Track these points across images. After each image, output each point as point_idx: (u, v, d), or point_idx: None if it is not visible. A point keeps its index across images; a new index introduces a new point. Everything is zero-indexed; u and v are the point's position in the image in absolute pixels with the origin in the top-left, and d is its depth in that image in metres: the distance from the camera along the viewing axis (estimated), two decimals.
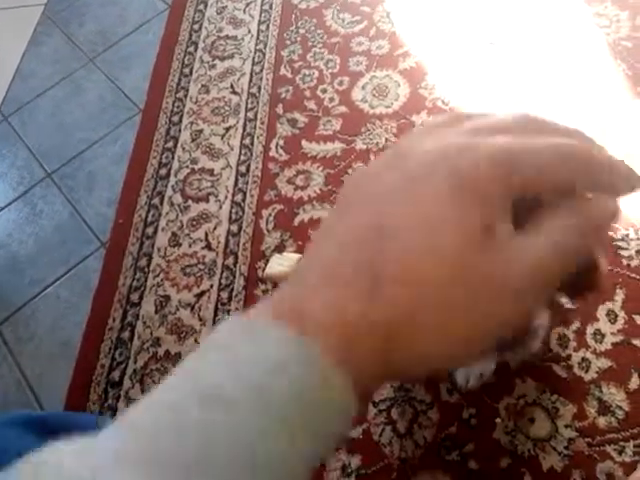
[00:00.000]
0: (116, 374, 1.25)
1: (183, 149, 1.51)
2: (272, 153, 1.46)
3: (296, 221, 1.35)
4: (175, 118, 1.57)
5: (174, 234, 1.38)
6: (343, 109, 1.49)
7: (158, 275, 1.33)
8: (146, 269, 1.35)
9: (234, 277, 1.29)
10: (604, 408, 1.02)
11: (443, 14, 1.59)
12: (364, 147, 1.42)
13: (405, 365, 0.26)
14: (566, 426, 1.02)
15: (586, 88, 1.39)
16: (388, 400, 1.11)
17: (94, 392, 1.24)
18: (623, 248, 1.16)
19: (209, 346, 0.26)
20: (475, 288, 0.25)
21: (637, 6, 1.50)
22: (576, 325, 1.12)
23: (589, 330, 1.11)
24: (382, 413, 1.10)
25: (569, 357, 1.09)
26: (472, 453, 1.04)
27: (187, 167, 1.48)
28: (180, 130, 1.54)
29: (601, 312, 1.12)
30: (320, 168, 1.41)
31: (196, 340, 1.24)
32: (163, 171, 1.48)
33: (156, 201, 1.44)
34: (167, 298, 1.30)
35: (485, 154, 0.26)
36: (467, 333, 0.25)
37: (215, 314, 1.26)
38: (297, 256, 1.25)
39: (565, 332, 1.11)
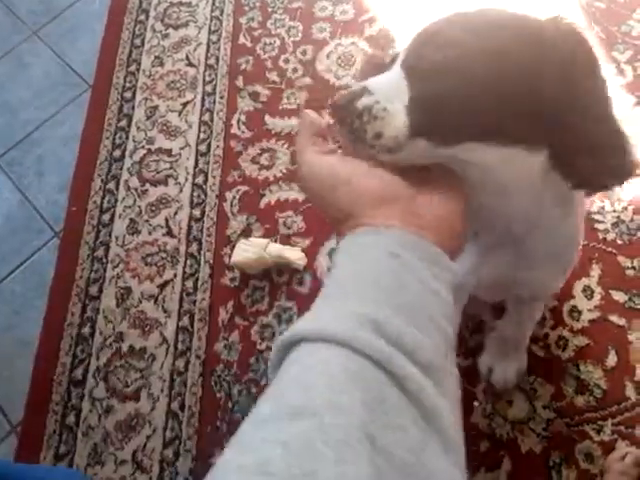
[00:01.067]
0: (78, 372, 1.19)
1: (138, 128, 1.41)
2: (234, 130, 1.38)
3: (262, 203, 1.28)
4: (128, 94, 1.46)
5: (132, 221, 1.30)
6: (307, 80, 1.41)
7: (117, 265, 1.26)
8: (104, 259, 1.27)
9: (199, 265, 1.23)
10: (582, 387, 1.01)
11: None
12: (331, 121, 1.34)
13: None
14: (544, 407, 1.01)
15: None
16: None
17: (56, 392, 1.18)
18: (599, 221, 1.13)
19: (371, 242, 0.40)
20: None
21: None
22: (552, 303, 1.09)
23: (565, 308, 1.09)
24: None
25: (546, 336, 1.07)
26: None
27: (143, 148, 1.38)
28: (134, 107, 1.44)
29: (577, 288, 1.09)
30: (285, 145, 1.34)
31: (161, 333, 1.18)
32: (117, 153, 1.39)
33: (111, 186, 1.35)
34: (128, 290, 1.23)
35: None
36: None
37: (180, 305, 1.20)
38: (264, 241, 1.19)
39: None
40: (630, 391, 0.99)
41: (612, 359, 1.02)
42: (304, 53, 1.44)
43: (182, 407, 1.11)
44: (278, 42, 1.47)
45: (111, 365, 1.18)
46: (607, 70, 1.29)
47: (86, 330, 1.22)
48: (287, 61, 1.44)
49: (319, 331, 0.33)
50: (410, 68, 0.48)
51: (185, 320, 1.18)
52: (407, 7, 1.45)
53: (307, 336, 0.33)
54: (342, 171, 0.43)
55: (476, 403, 1.04)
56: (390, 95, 0.46)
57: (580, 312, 1.08)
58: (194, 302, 1.19)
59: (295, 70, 1.42)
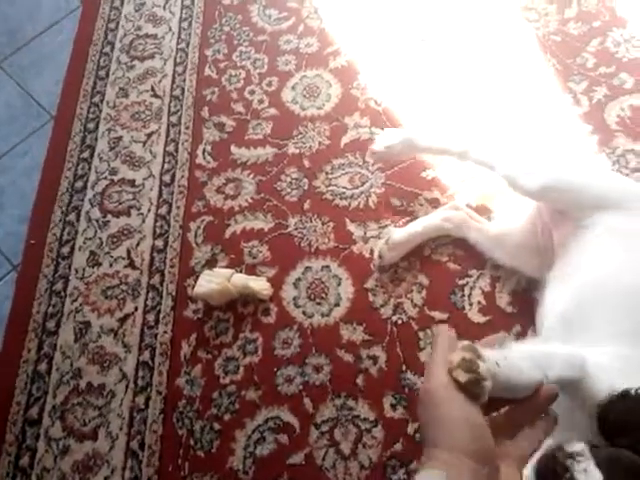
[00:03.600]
0: (34, 411, 1.14)
1: (100, 159, 1.39)
2: (199, 160, 1.37)
3: (227, 233, 1.27)
4: (91, 125, 1.44)
5: (93, 253, 1.27)
6: (273, 111, 1.41)
7: (76, 299, 1.22)
8: (62, 293, 1.23)
9: (161, 297, 1.20)
10: None
11: (373, 11, 1.54)
12: (297, 151, 1.35)
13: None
14: None
15: (517, 83, 1.37)
16: (330, 421, 1.05)
17: (10, 432, 1.12)
18: None
19: None
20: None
21: None
22: (516, 329, 1.09)
23: (530, 334, 1.09)
24: (324, 435, 1.04)
25: None
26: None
27: (105, 178, 1.36)
28: (97, 138, 1.42)
29: None
30: (251, 175, 1.33)
31: (121, 369, 1.14)
32: (79, 184, 1.36)
33: (72, 217, 1.32)
34: (87, 324, 1.19)
35: None
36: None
37: (141, 339, 1.16)
38: (229, 271, 1.17)
39: (506, 337, 1.09)
40: None
41: None
42: (270, 84, 1.45)
43: (142, 446, 1.06)
44: (244, 74, 1.48)
45: (68, 403, 1.13)
46: (564, 101, 1.33)
47: (43, 367, 1.17)
48: (252, 92, 1.45)
49: None
50: None
51: (146, 354, 1.14)
52: (371, 40, 1.48)
53: None
54: (473, 422, 0.50)
55: None
56: None
57: None
58: (155, 335, 1.16)
59: (261, 101, 1.43)
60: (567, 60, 1.39)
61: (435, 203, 1.23)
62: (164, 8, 1.62)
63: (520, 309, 1.11)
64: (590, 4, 1.47)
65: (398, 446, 1.02)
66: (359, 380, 1.08)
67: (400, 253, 1.17)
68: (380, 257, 1.16)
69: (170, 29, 1.58)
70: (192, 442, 1.06)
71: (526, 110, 1.33)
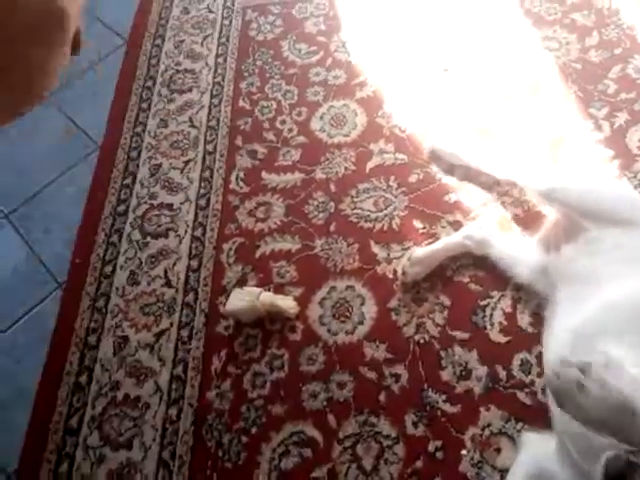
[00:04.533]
0: (74, 421, 1.21)
1: (142, 185, 1.49)
2: (232, 185, 1.45)
3: (257, 254, 1.33)
4: (133, 153, 1.55)
5: (133, 272, 1.35)
6: (302, 139, 1.49)
7: (116, 315, 1.30)
8: (104, 310, 1.31)
9: (194, 314, 1.27)
10: None
11: (397, 43, 1.61)
12: (324, 176, 1.41)
13: None
14: None
15: (540, 112, 1.41)
16: (353, 436, 1.08)
17: (51, 441, 1.19)
18: None
19: None
20: None
21: (585, 28, 1.53)
22: (538, 349, 1.11)
23: None
24: (347, 451, 1.07)
25: (532, 383, 1.08)
26: None
27: (146, 203, 1.45)
28: (138, 165, 1.52)
29: None
30: (280, 199, 1.40)
31: (156, 382, 1.20)
32: (121, 208, 1.46)
33: (114, 239, 1.41)
34: (126, 339, 1.27)
35: None
36: None
37: (175, 353, 1.23)
38: (257, 290, 1.23)
39: (527, 357, 1.10)
40: None
41: None
42: (299, 114, 1.53)
43: (173, 456, 1.12)
44: (275, 105, 1.56)
45: (106, 414, 1.20)
46: (586, 127, 1.36)
47: (83, 379, 1.24)
48: (283, 122, 1.53)
49: None
50: None
51: (179, 369, 1.21)
52: (395, 71, 1.55)
53: None
54: None
55: (464, 452, 1.04)
56: None
57: None
58: (188, 350, 1.22)
59: (290, 130, 1.51)
60: (588, 87, 1.43)
61: (457, 225, 1.27)
62: (202, 45, 1.73)
63: (541, 329, 1.13)
64: (611, 33, 1.51)
65: (419, 463, 1.04)
66: (381, 397, 1.11)
67: (423, 270, 1.21)
68: (403, 274, 1.21)
69: (207, 64, 1.69)
70: (220, 454, 1.11)
71: (550, 138, 1.37)
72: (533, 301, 1.15)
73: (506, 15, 1.60)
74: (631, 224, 0.94)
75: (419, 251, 1.21)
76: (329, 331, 1.20)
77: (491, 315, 1.16)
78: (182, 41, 1.75)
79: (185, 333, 1.25)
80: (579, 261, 0.96)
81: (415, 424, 1.08)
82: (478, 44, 1.56)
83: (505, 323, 1.15)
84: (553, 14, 1.58)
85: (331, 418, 1.10)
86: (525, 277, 1.13)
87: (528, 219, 1.25)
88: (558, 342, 0.90)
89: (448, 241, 1.22)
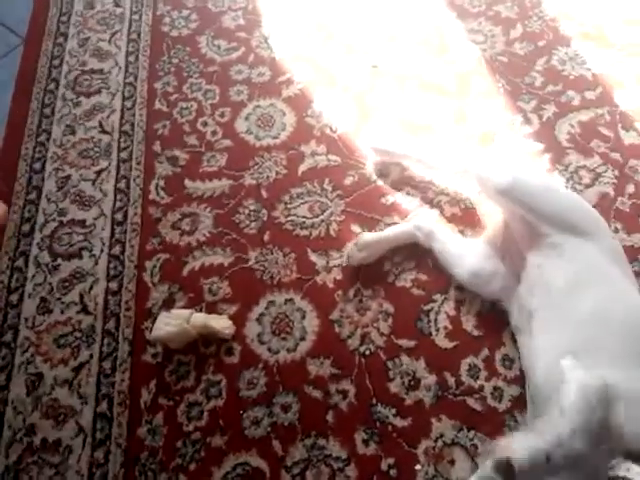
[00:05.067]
0: None
1: (48, 200, 1.33)
2: (152, 196, 1.32)
3: (185, 270, 1.22)
4: (37, 165, 1.38)
5: (43, 299, 1.20)
6: (227, 142, 1.38)
7: (27, 350, 1.15)
8: (12, 344, 1.16)
9: (117, 343, 1.14)
10: None
11: (323, 38, 1.54)
12: (254, 182, 1.32)
13: None
14: None
15: (468, 106, 1.39)
16: (301, 462, 1.01)
17: None
18: None
19: None
20: None
21: (509, 20, 1.53)
22: (484, 353, 1.08)
23: (497, 356, 1.08)
24: (296, 478, 1.00)
25: (482, 388, 1.05)
26: None
27: (54, 220, 1.30)
28: (43, 179, 1.36)
29: (507, 335, 1.09)
30: (207, 209, 1.30)
31: (77, 422, 1.07)
32: (26, 227, 1.30)
33: (20, 263, 1.25)
34: (40, 376, 1.12)
35: None
36: None
37: (98, 389, 1.10)
38: (187, 312, 1.12)
39: (475, 361, 1.07)
40: None
41: None
42: (222, 115, 1.43)
43: None
44: (195, 106, 1.45)
45: (22, 462, 1.06)
46: (515, 121, 1.35)
47: None
48: (205, 124, 1.42)
49: None
50: None
51: (103, 405, 1.08)
52: (322, 67, 1.48)
53: None
54: None
55: (418, 467, 0.99)
56: None
57: (512, 360, 1.07)
58: (113, 384, 1.10)
59: (214, 133, 1.40)
60: (515, 80, 1.42)
61: None
62: (109, 42, 1.58)
63: (486, 331, 1.10)
64: (534, 25, 1.51)
65: None
66: (329, 417, 1.04)
67: (369, 256, 1.16)
68: (349, 258, 1.17)
69: (117, 63, 1.54)
70: None
71: (479, 133, 1.35)
72: (476, 301, 1.12)
73: (431, 8, 1.57)
74: (588, 234, 0.94)
75: (367, 236, 1.17)
76: (269, 350, 1.11)
77: (435, 320, 1.12)
78: (87, 39, 1.59)
79: (108, 365, 1.12)
80: (549, 267, 0.94)
81: (366, 442, 1.02)
82: (405, 39, 1.51)
83: (450, 327, 1.11)
84: (477, 6, 1.56)
85: (276, 444, 1.03)
86: (466, 279, 1.10)
87: (466, 218, 1.22)
88: (549, 360, 0.87)
89: (397, 229, 1.18)
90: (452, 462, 0.99)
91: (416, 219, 1.19)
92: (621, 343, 0.84)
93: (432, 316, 1.12)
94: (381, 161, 1.29)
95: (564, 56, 1.45)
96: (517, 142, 1.32)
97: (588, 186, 1.24)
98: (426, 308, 1.13)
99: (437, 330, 1.11)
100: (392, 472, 0.99)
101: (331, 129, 1.38)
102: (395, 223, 1.23)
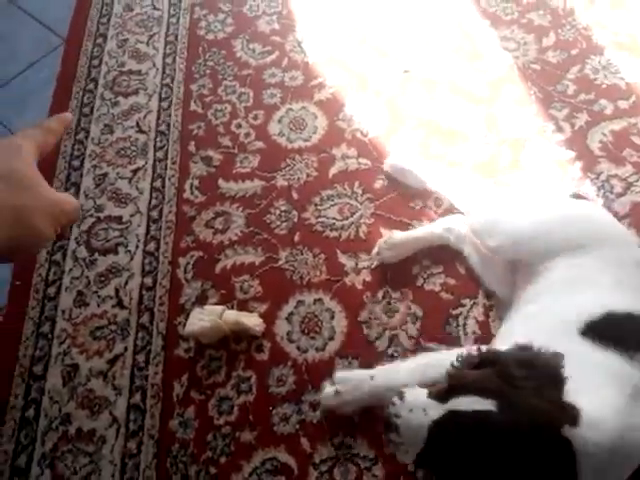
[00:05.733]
0: (22, 460, 1.09)
1: (86, 196, 1.37)
2: (186, 195, 1.36)
3: (217, 268, 1.25)
4: (75, 162, 1.43)
5: (80, 293, 1.24)
6: (260, 144, 1.41)
7: (64, 341, 1.19)
8: (50, 335, 1.20)
9: (151, 337, 1.17)
10: None
11: (356, 43, 1.56)
12: (285, 184, 1.35)
13: None
14: None
15: (500, 112, 1.39)
16: (329, 460, 1.03)
17: None
18: None
19: None
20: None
21: (542, 28, 1.53)
22: None
23: None
24: (324, 475, 1.01)
25: None
26: None
27: (91, 216, 1.34)
28: (82, 175, 1.40)
29: None
30: (240, 208, 1.32)
31: (111, 413, 1.11)
32: None
33: (58, 257, 1.29)
34: (75, 367, 1.16)
35: None
36: None
37: (132, 381, 1.13)
38: (220, 308, 1.15)
39: None
40: None
41: None
42: (256, 118, 1.46)
43: None
44: (229, 108, 1.48)
45: (58, 450, 1.09)
46: (547, 129, 1.35)
47: (30, 413, 1.13)
48: (239, 126, 1.45)
49: None
50: None
51: (137, 397, 1.11)
52: (354, 72, 1.50)
53: None
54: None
55: None
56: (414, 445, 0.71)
57: None
58: (146, 377, 1.13)
59: (247, 134, 1.43)
60: (548, 88, 1.42)
61: None
62: (147, 44, 1.62)
63: None
64: (567, 33, 1.51)
65: None
66: (356, 416, 1.06)
67: (398, 255, 1.19)
68: (378, 254, 1.19)
69: (154, 65, 1.58)
70: None
71: (511, 140, 1.35)
72: (504, 306, 1.13)
73: (464, 15, 1.58)
74: (581, 247, 0.94)
75: (398, 235, 1.19)
76: (298, 348, 1.14)
77: (464, 324, 1.13)
78: (126, 40, 1.64)
79: (141, 358, 1.15)
80: (526, 289, 0.97)
81: None
82: (438, 45, 1.53)
83: (479, 332, 1.12)
84: (510, 14, 1.57)
85: (305, 442, 1.05)
86: (491, 284, 1.11)
87: None
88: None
89: (428, 230, 1.19)
90: None
91: (445, 221, 1.20)
92: None
93: (461, 321, 1.14)
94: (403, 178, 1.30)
95: (597, 65, 1.45)
96: (548, 149, 1.33)
97: (620, 195, 1.24)
98: (455, 312, 1.14)
99: (466, 335, 1.12)
100: (418, 473, 1.00)
101: (362, 133, 1.40)
102: None
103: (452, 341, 1.11)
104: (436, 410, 0.70)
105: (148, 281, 1.24)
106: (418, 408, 0.71)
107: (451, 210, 1.24)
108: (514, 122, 1.38)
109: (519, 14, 1.56)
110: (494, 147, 1.34)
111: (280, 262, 1.24)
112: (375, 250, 1.20)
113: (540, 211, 1.05)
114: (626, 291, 0.87)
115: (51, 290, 1.26)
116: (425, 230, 1.20)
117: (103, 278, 1.26)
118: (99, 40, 1.65)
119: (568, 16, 1.54)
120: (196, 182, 1.37)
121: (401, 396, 0.74)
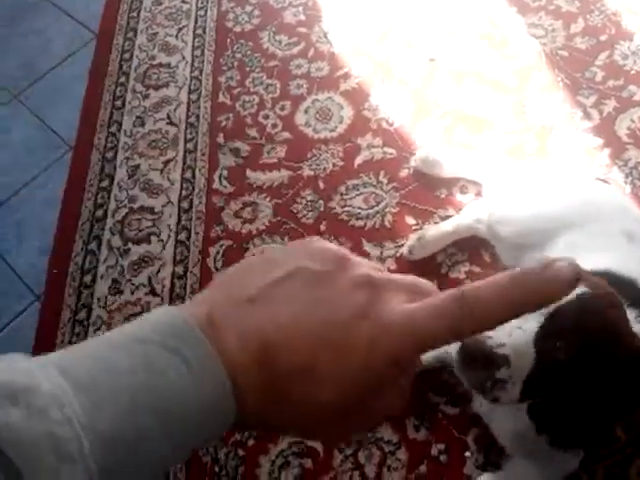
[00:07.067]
0: None
1: (120, 187, 1.42)
2: (216, 185, 1.39)
3: (246, 257, 1.28)
4: (109, 154, 1.47)
5: (115, 281, 1.29)
6: (287, 135, 1.43)
7: (99, 328, 1.24)
8: (86, 322, 1.25)
9: None
10: None
11: (381, 33, 1.56)
12: (311, 173, 1.37)
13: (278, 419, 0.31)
14: None
15: (527, 99, 1.39)
16: (354, 444, 1.06)
17: None
18: None
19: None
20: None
21: (570, 14, 1.51)
22: None
23: None
24: (348, 459, 1.04)
25: None
26: None
27: (125, 207, 1.39)
28: (115, 167, 1.45)
29: None
30: (267, 198, 1.35)
31: None
32: (99, 213, 1.39)
33: (93, 246, 1.34)
34: None
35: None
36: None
37: None
38: None
39: None
40: None
41: None
42: (282, 109, 1.48)
43: (167, 473, 1.07)
44: (257, 99, 1.50)
45: None
46: (575, 116, 1.34)
47: None
48: (266, 117, 1.47)
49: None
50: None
51: None
52: (380, 61, 1.51)
53: None
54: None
55: (468, 453, 1.02)
56: (521, 375, 0.66)
57: None
58: None
59: (274, 125, 1.45)
60: (575, 74, 1.41)
61: None
62: (176, 37, 1.66)
63: None
64: (596, 19, 1.49)
65: (422, 468, 1.02)
66: None
67: (430, 251, 1.20)
68: (410, 252, 1.20)
69: (183, 57, 1.61)
70: (217, 469, 1.07)
71: (538, 128, 1.35)
72: None
73: (490, 2, 1.57)
74: (575, 226, 0.94)
75: (431, 233, 1.19)
76: None
77: None
78: (156, 34, 1.67)
79: None
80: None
81: (417, 427, 1.06)
82: (464, 32, 1.52)
83: None
84: (537, 0, 1.55)
85: None
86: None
87: None
88: None
89: (457, 223, 1.19)
90: (503, 450, 1.02)
91: (475, 211, 1.20)
92: None
93: None
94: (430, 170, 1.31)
95: (626, 50, 1.42)
96: (575, 136, 1.32)
97: None
98: None
99: None
100: (442, 457, 1.02)
101: (387, 122, 1.41)
102: (449, 216, 1.25)
103: None
104: (532, 321, 0.66)
105: (179, 270, 1.28)
106: (514, 328, 0.67)
107: (477, 198, 1.24)
108: (541, 109, 1.37)
109: (547, 0, 1.54)
110: (521, 135, 1.34)
111: None
112: (406, 250, 1.20)
113: (547, 200, 1.05)
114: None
115: (87, 278, 1.31)
116: (454, 223, 1.19)
117: (136, 267, 1.30)
118: (130, 34, 1.69)
119: (597, 2, 1.52)
120: (225, 173, 1.41)
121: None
